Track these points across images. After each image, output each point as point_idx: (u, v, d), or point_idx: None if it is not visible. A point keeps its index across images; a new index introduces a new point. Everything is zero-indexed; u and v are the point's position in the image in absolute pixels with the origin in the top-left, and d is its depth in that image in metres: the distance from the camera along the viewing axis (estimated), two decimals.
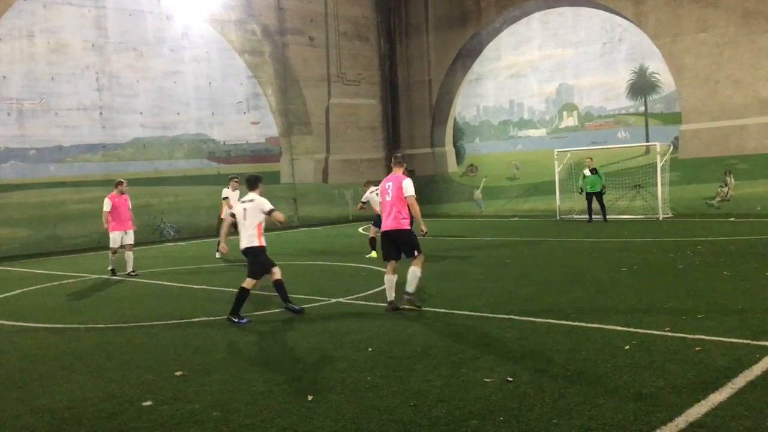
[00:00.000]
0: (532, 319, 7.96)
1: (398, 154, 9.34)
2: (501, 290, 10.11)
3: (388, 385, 5.74)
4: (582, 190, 21.08)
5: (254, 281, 8.87)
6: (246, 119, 25.09)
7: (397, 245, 8.80)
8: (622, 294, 9.25)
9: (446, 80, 28.09)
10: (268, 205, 8.87)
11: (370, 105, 29.03)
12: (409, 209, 8.79)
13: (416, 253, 8.71)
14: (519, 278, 11.09)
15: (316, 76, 27.06)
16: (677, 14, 21.85)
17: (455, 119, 28.15)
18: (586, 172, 20.76)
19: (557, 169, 23.33)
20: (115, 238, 13.97)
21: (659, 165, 21.05)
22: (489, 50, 26.76)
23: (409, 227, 8.82)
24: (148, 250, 19.38)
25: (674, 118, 22.33)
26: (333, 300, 9.86)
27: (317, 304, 9.68)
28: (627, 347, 6.51)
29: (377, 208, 14.53)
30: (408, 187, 8.69)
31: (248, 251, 8.86)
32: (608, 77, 23.70)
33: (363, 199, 15.37)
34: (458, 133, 28.12)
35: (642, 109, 23.16)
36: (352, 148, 28.25)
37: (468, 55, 27.33)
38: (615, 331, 7.20)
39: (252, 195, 8.91)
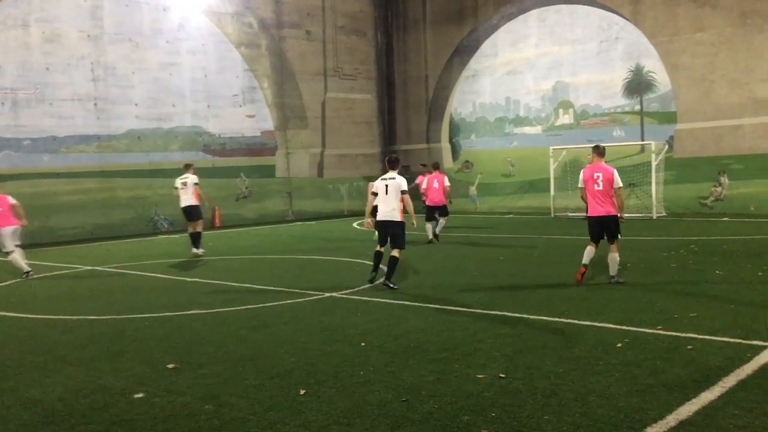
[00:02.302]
0: (525, 315, 7.97)
1: (600, 145, 10.26)
2: (495, 287, 10.12)
3: (381, 379, 5.75)
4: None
5: (401, 250, 10.14)
6: (242, 112, 25.02)
7: (603, 229, 9.78)
8: (616, 292, 9.28)
9: (443, 76, 28.06)
10: (405, 186, 10.13)
11: (366, 100, 28.99)
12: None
13: (618, 237, 9.81)
14: (513, 275, 11.11)
15: (312, 70, 26.99)
16: (674, 13, 21.87)
17: (451, 115, 28.14)
18: None
19: (552, 167, 23.36)
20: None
21: (654, 164, 21.08)
22: (486, 47, 26.74)
23: (617, 213, 9.78)
24: (142, 242, 19.34)
25: (669, 117, 22.37)
26: (327, 294, 9.85)
27: (311, 298, 9.67)
28: (619, 345, 6.53)
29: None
30: (618, 179, 9.70)
31: (389, 224, 10.05)
32: (604, 75, 23.71)
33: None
34: (454, 130, 28.12)
35: (638, 107, 23.18)
36: (347, 143, 28.21)
37: (465, 51, 27.30)
38: (607, 328, 7.22)
39: (393, 174, 10.19)
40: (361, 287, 10.29)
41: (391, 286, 10.03)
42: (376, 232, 10.57)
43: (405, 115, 29.52)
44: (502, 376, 5.70)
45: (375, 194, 10.34)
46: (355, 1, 28.44)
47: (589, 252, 9.92)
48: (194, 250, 15.20)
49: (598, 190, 9.76)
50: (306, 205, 26.75)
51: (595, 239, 9.96)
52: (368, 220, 10.56)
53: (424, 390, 5.43)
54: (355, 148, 28.49)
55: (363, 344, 6.93)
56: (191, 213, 15.23)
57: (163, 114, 22.96)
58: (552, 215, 22.89)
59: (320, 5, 27.23)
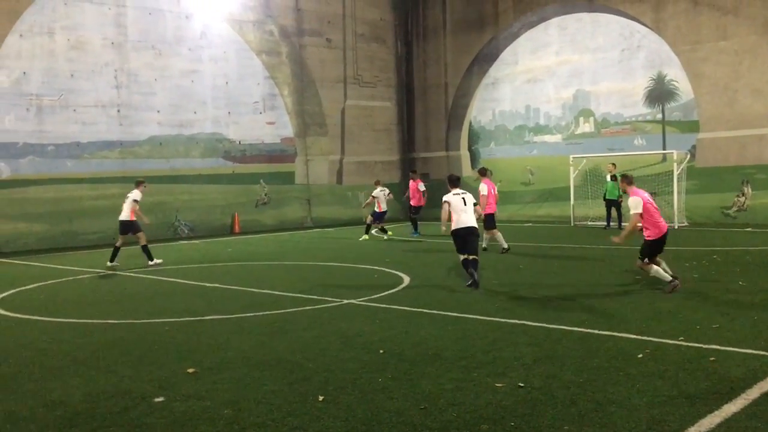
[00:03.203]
0: (544, 325, 7.93)
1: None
2: (514, 295, 10.08)
3: (399, 387, 5.74)
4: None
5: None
6: (262, 119, 25.18)
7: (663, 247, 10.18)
8: (636, 302, 9.20)
9: (462, 84, 28.04)
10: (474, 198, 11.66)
11: (385, 107, 29.04)
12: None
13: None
14: (532, 284, 11.05)
15: (332, 78, 27.11)
16: (697, 22, 21.70)
17: (471, 123, 28.11)
18: (608, 178, 20.66)
19: (572, 175, 23.23)
20: None
21: (676, 173, 20.89)
22: (506, 55, 26.69)
23: None
24: (163, 248, 19.48)
25: (692, 126, 22.17)
26: (345, 301, 9.87)
27: (329, 305, 9.69)
28: (640, 355, 6.47)
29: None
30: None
31: (472, 230, 11.07)
32: (626, 84, 23.57)
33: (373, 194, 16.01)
34: (473, 137, 28.08)
35: (659, 116, 23.00)
36: (366, 150, 28.27)
37: (485, 59, 27.28)
38: (628, 339, 7.16)
39: (460, 189, 11.38)
40: (380, 294, 10.30)
41: (476, 282, 10.80)
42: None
43: (424, 123, 29.54)
44: (522, 385, 5.67)
45: (447, 203, 11.24)
46: (375, 9, 28.55)
47: (657, 270, 10.04)
48: (150, 263, 14.88)
49: (657, 208, 10.15)
50: (325, 211, 26.83)
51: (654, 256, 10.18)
52: (444, 227, 11.48)
53: (443, 398, 5.42)
54: (374, 155, 28.55)
55: (381, 351, 6.93)
56: (124, 227, 14.95)
57: (184, 121, 23.17)
58: (572, 224, 22.75)
59: (341, 13, 27.36)
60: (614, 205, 20.49)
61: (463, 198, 11.22)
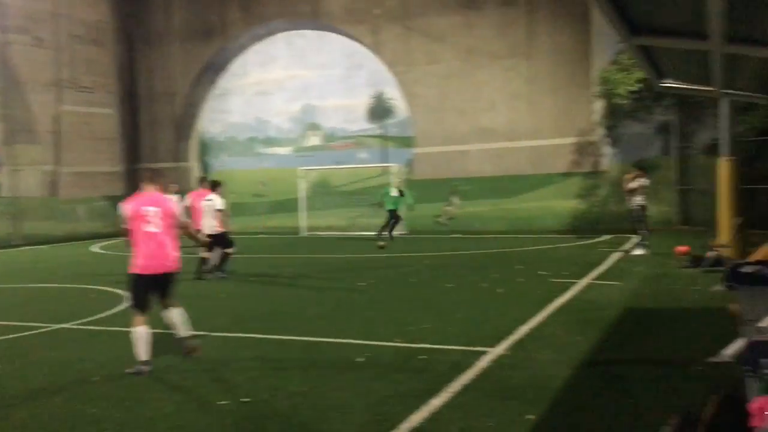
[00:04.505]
0: (271, 336, 7.98)
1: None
2: (242, 308, 10.02)
3: (112, 416, 5.36)
4: (382, 205, 20.62)
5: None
6: None
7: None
8: (358, 308, 9.68)
9: (192, 93, 27.28)
10: (220, 206, 13.22)
11: (106, 114, 27.13)
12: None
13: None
14: (261, 295, 11.10)
15: (43, 80, 24.64)
16: (409, 46, 23.61)
17: (201, 134, 27.49)
18: (393, 192, 20.75)
19: (302, 187, 23.86)
20: None
21: (394, 185, 22.44)
22: (236, 66, 26.61)
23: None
24: None
25: (408, 142, 24.07)
26: (55, 326, 8.98)
27: (38, 331, 8.74)
28: (360, 359, 6.81)
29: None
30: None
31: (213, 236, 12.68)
32: (350, 100, 24.85)
33: None
34: (204, 149, 27.50)
35: (380, 131, 24.63)
36: (86, 160, 26.15)
37: (214, 69, 26.87)
38: (350, 344, 7.49)
39: (211, 195, 13.22)
40: (97, 316, 9.56)
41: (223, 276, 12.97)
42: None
43: (151, 132, 28.16)
44: (246, 400, 5.64)
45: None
46: (92, 10, 26.51)
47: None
48: None
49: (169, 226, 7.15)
50: (37, 227, 24.23)
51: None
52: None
53: (163, 423, 5.18)
54: (95, 165, 26.51)
55: (95, 379, 6.43)
56: None
57: None
58: (302, 234, 23.32)
59: (51, 10, 25.01)
60: (394, 215, 20.67)
61: (207, 204, 13.38)
